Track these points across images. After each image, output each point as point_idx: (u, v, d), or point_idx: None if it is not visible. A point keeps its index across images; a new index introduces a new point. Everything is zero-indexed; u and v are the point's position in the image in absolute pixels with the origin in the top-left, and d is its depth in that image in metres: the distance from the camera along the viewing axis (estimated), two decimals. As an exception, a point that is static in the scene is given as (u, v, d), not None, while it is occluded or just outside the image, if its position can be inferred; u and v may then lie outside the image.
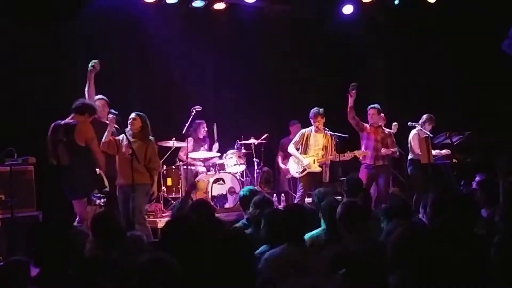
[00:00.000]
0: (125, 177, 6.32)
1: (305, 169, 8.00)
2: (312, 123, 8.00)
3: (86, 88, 6.60)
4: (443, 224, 3.73)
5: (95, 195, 6.00)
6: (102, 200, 5.99)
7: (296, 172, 8.12)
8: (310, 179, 7.95)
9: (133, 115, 6.57)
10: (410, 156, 8.70)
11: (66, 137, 5.97)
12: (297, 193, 8.21)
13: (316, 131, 8.01)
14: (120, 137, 6.56)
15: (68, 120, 6.09)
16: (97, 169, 6.18)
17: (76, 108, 6.06)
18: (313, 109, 8.01)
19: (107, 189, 6.09)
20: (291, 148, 8.17)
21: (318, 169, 7.97)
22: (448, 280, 2.77)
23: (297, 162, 8.10)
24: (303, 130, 8.18)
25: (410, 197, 8.32)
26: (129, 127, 6.57)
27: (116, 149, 6.50)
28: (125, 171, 6.30)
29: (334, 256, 2.63)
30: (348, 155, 8.01)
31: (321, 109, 7.98)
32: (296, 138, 8.17)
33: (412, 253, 2.79)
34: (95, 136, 6.07)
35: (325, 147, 7.99)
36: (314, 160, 7.97)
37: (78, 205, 6.05)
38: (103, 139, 6.40)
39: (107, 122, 6.52)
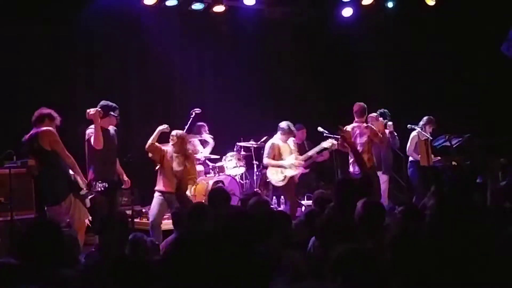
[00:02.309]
0: (168, 186, 6.91)
1: (285, 176, 8.01)
2: (283, 135, 8.02)
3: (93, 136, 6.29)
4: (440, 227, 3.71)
5: (97, 180, 6.07)
6: (102, 185, 6.01)
7: (279, 181, 8.07)
8: (291, 184, 8.03)
9: (173, 132, 7.02)
10: (410, 158, 8.69)
11: (32, 146, 5.91)
12: (284, 206, 8.22)
13: (281, 141, 8.07)
14: (167, 148, 7.00)
15: (31, 132, 6.02)
16: (71, 172, 6.03)
17: (35, 121, 5.99)
18: (290, 124, 8.01)
19: (83, 191, 6.01)
20: (266, 160, 8.09)
21: (296, 172, 8.09)
22: (445, 282, 2.77)
23: (276, 171, 8.07)
24: (273, 142, 8.11)
25: (410, 198, 8.36)
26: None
27: (160, 157, 6.96)
28: (169, 180, 6.91)
29: (338, 256, 2.62)
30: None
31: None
32: (269, 150, 8.07)
33: (410, 255, 2.78)
34: (59, 140, 5.96)
35: (291, 152, 8.10)
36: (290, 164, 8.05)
37: (52, 211, 5.93)
38: (149, 141, 6.86)
39: (109, 129, 6.52)
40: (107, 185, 6.11)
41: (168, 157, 6.98)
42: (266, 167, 8.30)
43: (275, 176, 8.09)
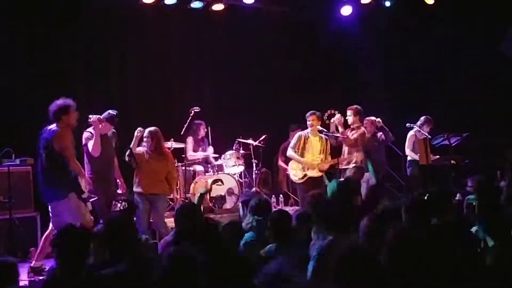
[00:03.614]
0: (147, 188, 6.78)
1: (305, 175, 7.70)
2: (307, 122, 7.74)
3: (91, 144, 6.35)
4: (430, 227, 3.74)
5: (117, 200, 6.15)
6: (123, 204, 6.05)
7: (296, 178, 7.79)
8: (311, 184, 7.46)
9: (146, 131, 6.81)
10: (409, 157, 8.69)
11: (47, 142, 5.88)
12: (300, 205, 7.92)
13: (312, 135, 7.74)
14: (142, 149, 6.84)
15: (51, 126, 5.97)
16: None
17: (53, 115, 5.92)
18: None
19: (85, 195, 6.00)
20: (290, 152, 7.86)
21: (318, 174, 7.67)
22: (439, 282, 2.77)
23: (297, 166, 7.79)
24: (300, 133, 7.87)
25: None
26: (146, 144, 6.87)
27: (135, 163, 6.80)
28: (148, 182, 6.79)
29: (338, 256, 2.62)
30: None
31: (318, 112, 7.79)
32: (294, 141, 7.85)
33: (404, 256, 2.79)
34: (71, 145, 5.93)
35: (322, 151, 7.76)
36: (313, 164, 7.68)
37: (60, 205, 5.83)
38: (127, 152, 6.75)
39: (108, 135, 6.53)
40: (126, 206, 6.15)
41: (146, 157, 6.84)
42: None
43: (295, 171, 7.79)
